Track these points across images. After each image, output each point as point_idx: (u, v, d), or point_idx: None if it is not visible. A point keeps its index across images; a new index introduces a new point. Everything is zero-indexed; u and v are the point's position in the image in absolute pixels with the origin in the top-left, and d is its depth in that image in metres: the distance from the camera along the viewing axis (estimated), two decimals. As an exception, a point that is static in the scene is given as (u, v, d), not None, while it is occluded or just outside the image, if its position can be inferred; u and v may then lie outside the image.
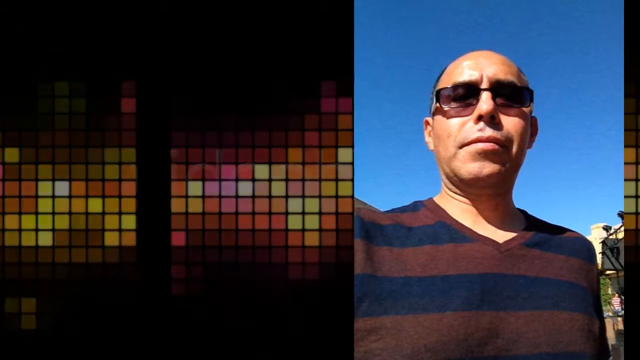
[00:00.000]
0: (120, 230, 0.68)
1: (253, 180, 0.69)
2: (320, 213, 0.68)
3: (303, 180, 0.69)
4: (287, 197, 0.68)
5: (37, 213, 0.69)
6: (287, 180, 0.69)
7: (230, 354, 0.65)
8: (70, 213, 0.69)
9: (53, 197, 0.69)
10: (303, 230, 0.68)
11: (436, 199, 0.80)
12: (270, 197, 0.69)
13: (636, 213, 0.67)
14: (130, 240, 0.68)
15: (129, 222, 0.68)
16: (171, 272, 0.68)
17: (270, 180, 0.69)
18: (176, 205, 0.69)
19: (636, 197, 0.67)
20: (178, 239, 0.68)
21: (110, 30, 0.68)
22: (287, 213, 0.68)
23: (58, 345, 0.66)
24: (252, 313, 0.66)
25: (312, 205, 0.68)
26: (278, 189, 0.69)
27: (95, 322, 0.66)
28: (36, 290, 0.67)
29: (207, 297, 0.67)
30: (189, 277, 0.68)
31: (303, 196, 0.68)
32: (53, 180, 0.69)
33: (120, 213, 0.69)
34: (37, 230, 0.69)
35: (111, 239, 0.68)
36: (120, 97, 0.69)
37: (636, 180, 0.68)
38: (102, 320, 0.66)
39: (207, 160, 0.70)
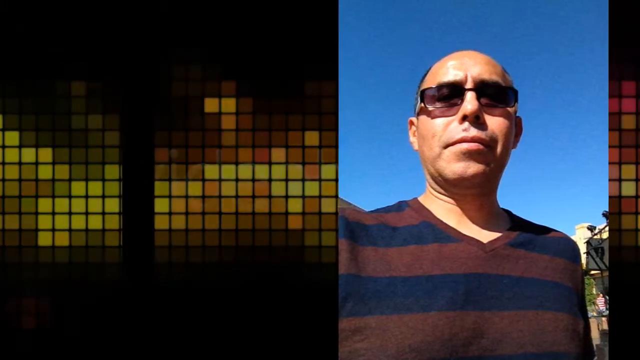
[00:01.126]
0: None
1: (253, 180, 0.70)
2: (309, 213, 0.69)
3: (303, 180, 0.70)
4: (287, 197, 0.69)
5: (37, 213, 0.71)
6: (287, 180, 0.70)
7: (217, 353, 0.67)
8: (70, 213, 0.71)
9: (53, 197, 0.71)
10: (303, 230, 0.69)
11: (421, 199, 0.80)
12: (270, 197, 0.70)
13: (621, 213, 0.67)
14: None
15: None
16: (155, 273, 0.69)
17: (271, 180, 0.70)
18: (176, 206, 0.70)
19: (620, 197, 0.67)
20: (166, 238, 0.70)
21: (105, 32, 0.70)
22: (287, 213, 0.69)
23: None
24: (239, 312, 0.67)
25: (311, 204, 0.69)
26: (279, 189, 0.70)
27: (88, 321, 0.68)
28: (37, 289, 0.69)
29: (196, 296, 0.68)
30: (180, 275, 0.69)
31: (303, 196, 0.69)
32: (53, 180, 0.71)
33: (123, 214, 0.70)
34: (36, 230, 0.71)
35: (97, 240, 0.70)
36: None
37: (621, 180, 0.67)
38: (94, 318, 0.68)
39: (207, 161, 0.71)
